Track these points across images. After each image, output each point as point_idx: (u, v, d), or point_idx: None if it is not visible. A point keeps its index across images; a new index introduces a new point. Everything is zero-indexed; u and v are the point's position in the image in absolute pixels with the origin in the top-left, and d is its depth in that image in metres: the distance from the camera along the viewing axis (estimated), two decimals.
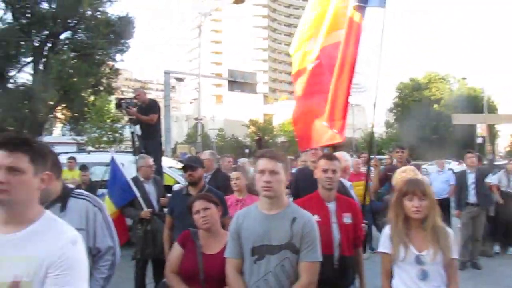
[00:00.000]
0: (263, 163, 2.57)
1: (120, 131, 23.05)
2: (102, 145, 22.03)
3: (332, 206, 3.28)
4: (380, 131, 54.76)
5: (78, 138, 24.94)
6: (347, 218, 3.26)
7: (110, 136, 23.06)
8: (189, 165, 4.27)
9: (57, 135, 35.50)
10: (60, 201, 2.41)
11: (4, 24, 28.92)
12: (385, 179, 6.19)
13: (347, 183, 4.29)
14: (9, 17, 29.28)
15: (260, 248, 2.53)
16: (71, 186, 2.64)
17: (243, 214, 2.69)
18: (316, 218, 2.75)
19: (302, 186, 4.25)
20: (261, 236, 2.53)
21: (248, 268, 2.56)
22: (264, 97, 79.41)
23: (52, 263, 1.67)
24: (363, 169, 7.47)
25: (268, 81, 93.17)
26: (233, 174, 4.99)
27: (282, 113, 59.15)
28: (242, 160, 13.17)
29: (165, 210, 5.78)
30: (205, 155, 5.61)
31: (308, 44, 5.01)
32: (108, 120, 23.56)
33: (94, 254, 2.53)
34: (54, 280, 1.66)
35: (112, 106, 26.96)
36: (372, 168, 6.09)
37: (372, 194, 6.78)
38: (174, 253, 3.07)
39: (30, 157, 1.75)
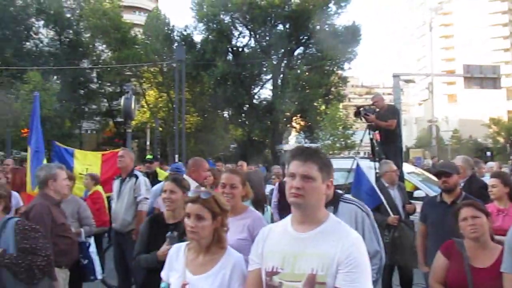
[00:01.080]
0: None
1: (352, 137, 23.76)
2: (335, 151, 23.04)
3: None
4: None
5: (313, 145, 26.73)
6: None
7: (342, 142, 23.95)
8: (444, 171, 4.07)
9: (293, 143, 38.70)
10: (332, 204, 2.65)
11: (249, 49, 33.47)
12: None
13: None
14: (252, 42, 33.82)
15: None
16: (340, 191, 2.88)
17: None
18: None
19: None
20: None
21: None
22: (508, 91, 69.02)
23: (341, 261, 1.86)
24: None
25: None
26: (489, 181, 4.53)
27: None
28: (490, 164, 11.83)
29: (411, 217, 5.68)
30: (458, 160, 5.26)
31: None
32: (340, 127, 24.49)
33: None
34: (344, 277, 1.84)
35: (342, 113, 27.98)
36: None
37: None
38: (439, 263, 2.99)
39: (319, 166, 1.99)
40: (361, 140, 7.66)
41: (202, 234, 2.19)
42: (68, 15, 33.41)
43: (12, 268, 2.76)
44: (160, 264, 2.66)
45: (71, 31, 33.51)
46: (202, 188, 4.46)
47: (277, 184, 7.91)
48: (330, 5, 31.72)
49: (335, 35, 30.36)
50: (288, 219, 2.09)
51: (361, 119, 7.64)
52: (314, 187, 1.96)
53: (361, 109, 7.56)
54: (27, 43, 32.39)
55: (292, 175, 1.98)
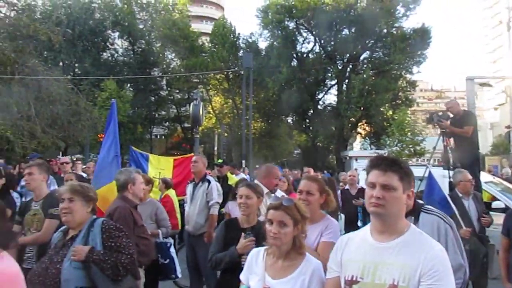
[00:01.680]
0: None
1: (421, 144, 22.86)
2: (403, 158, 22.23)
3: None
4: None
5: (380, 151, 25.93)
6: None
7: (411, 149, 23.09)
8: None
9: (358, 149, 37.85)
10: (412, 214, 2.59)
11: (313, 54, 33.30)
12: None
13: None
14: (316, 48, 33.61)
15: None
16: (421, 202, 2.80)
17: None
18: None
19: None
20: None
21: None
22: None
23: (424, 273, 1.83)
24: None
25: None
26: None
27: None
28: None
29: (487, 229, 5.36)
30: None
31: None
32: (408, 133, 23.64)
33: None
34: None
35: (411, 118, 26.95)
36: None
37: None
38: None
39: (400, 176, 1.97)
40: (434, 147, 7.34)
41: (284, 240, 2.24)
42: (141, 26, 35.20)
43: (99, 264, 2.93)
44: (240, 258, 2.74)
45: (143, 41, 35.28)
46: (272, 195, 4.53)
47: (339, 192, 7.80)
48: (398, 7, 30.76)
49: (403, 38, 29.41)
50: (367, 228, 2.08)
51: (433, 126, 7.34)
52: (395, 197, 1.95)
53: (434, 115, 7.26)
54: (104, 54, 34.62)
55: (372, 184, 1.97)
